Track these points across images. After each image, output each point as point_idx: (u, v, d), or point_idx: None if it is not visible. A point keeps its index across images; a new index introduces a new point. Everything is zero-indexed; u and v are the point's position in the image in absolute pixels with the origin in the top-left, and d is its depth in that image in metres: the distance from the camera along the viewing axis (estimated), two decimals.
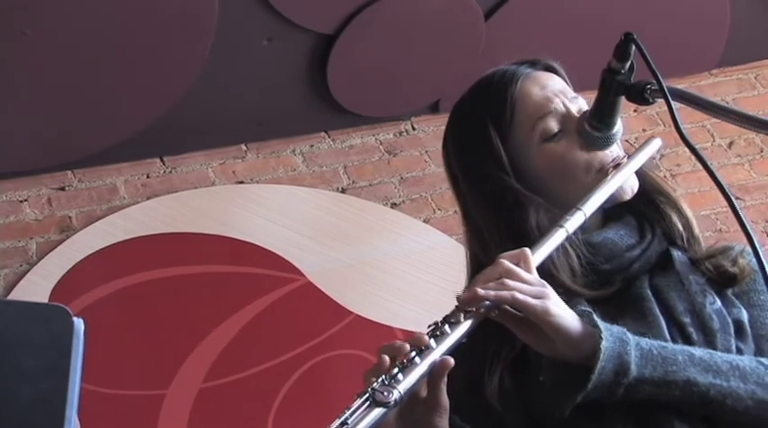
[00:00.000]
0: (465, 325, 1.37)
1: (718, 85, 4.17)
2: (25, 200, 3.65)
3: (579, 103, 1.61)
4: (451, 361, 1.34)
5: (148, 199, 3.68)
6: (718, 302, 1.52)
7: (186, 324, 3.33)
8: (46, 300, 3.30)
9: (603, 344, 1.37)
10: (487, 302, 1.38)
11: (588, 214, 1.50)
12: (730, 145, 3.96)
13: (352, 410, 1.28)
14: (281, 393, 3.20)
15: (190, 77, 3.66)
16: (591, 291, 1.51)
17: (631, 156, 1.58)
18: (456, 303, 1.40)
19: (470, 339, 1.39)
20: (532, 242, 1.47)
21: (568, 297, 1.45)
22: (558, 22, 3.89)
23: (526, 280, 1.40)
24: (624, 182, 1.56)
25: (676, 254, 1.57)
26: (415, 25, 3.79)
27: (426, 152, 3.88)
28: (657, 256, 1.57)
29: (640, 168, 1.62)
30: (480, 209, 1.60)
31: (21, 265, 3.46)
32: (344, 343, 3.31)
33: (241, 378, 3.24)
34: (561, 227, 1.48)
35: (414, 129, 3.97)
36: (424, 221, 3.69)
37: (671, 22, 3.98)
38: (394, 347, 1.36)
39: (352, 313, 3.41)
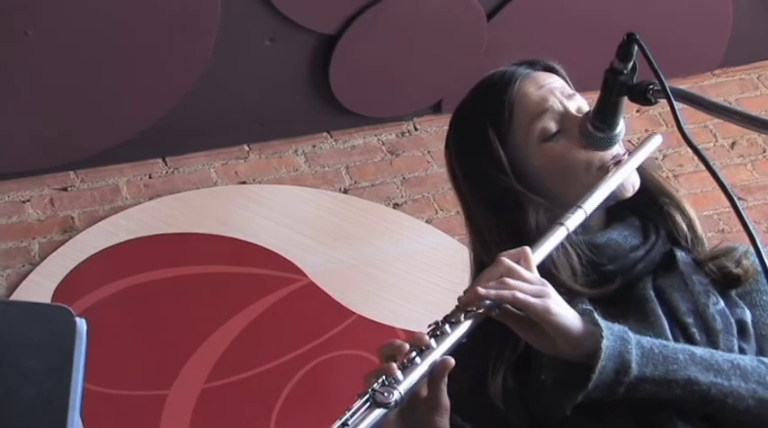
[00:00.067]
0: (465, 325, 1.37)
1: (721, 86, 4.16)
2: (28, 201, 3.65)
3: (578, 102, 1.61)
4: (452, 360, 1.34)
5: (151, 199, 3.68)
6: (722, 303, 1.52)
7: (188, 324, 3.33)
8: (48, 301, 3.30)
9: (604, 343, 1.37)
10: (488, 301, 1.38)
11: (589, 212, 1.50)
12: (733, 145, 3.96)
13: (352, 411, 1.27)
14: (284, 393, 3.20)
15: (192, 77, 3.66)
16: (592, 290, 1.51)
17: (632, 152, 1.58)
18: (457, 303, 1.40)
19: (473, 340, 1.39)
20: (532, 242, 1.47)
21: (570, 296, 1.45)
22: (561, 22, 3.89)
23: (527, 279, 1.40)
24: (625, 180, 1.55)
25: (680, 254, 1.57)
26: (417, 25, 3.79)
27: (429, 152, 3.88)
28: (661, 257, 1.57)
29: (643, 168, 1.62)
30: (481, 210, 1.60)
31: (23, 265, 3.47)
32: (347, 344, 3.31)
33: (243, 378, 3.24)
34: (562, 225, 1.48)
35: (416, 129, 3.97)
36: (427, 222, 3.69)
37: (673, 23, 3.97)
38: (394, 346, 1.36)
39: (354, 313, 3.41)
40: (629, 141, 1.62)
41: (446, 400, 1.38)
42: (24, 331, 1.18)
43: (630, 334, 1.40)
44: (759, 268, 1.42)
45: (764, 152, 3.96)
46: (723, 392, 1.39)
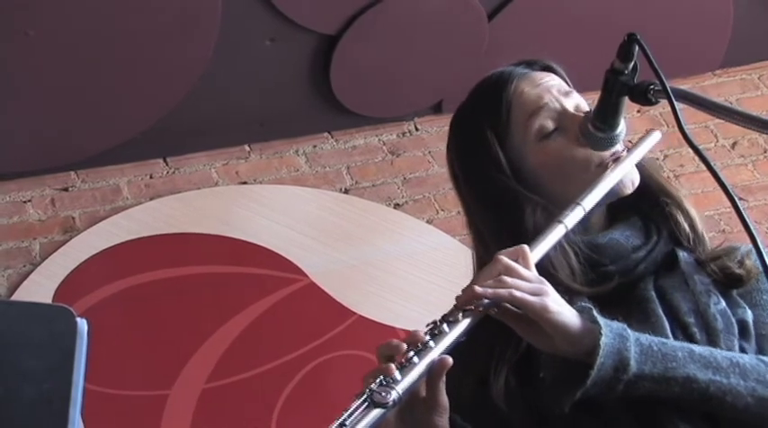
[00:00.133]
0: (463, 324, 1.37)
1: (722, 86, 4.16)
2: (29, 201, 3.65)
3: (576, 100, 1.60)
4: (450, 360, 1.34)
5: (152, 199, 3.68)
6: (723, 303, 1.52)
7: (189, 324, 3.34)
8: (49, 301, 3.30)
9: (603, 340, 1.37)
10: (486, 300, 1.38)
11: (588, 209, 1.49)
12: (734, 145, 3.96)
13: (350, 411, 1.27)
14: (284, 393, 3.20)
15: (193, 78, 3.66)
16: (590, 289, 1.51)
17: (631, 149, 1.58)
18: (455, 302, 1.40)
19: (475, 340, 1.39)
20: (531, 241, 1.47)
21: (569, 295, 1.45)
22: (561, 22, 3.89)
23: (524, 277, 1.40)
24: (625, 176, 1.55)
25: (682, 254, 1.57)
26: (418, 26, 3.79)
27: (429, 152, 3.88)
28: (663, 257, 1.57)
29: (645, 168, 1.62)
30: (481, 210, 1.60)
31: (24, 266, 3.47)
32: (347, 344, 3.31)
33: (244, 378, 3.24)
34: (560, 222, 1.47)
35: (417, 129, 3.97)
36: (427, 222, 3.69)
37: (674, 23, 3.97)
38: (392, 346, 1.36)
39: (354, 313, 3.41)
40: (629, 142, 1.62)
41: (445, 400, 1.37)
42: (25, 331, 1.18)
43: (629, 331, 1.40)
44: (761, 268, 1.42)
45: (765, 152, 3.95)
46: (722, 390, 1.39)
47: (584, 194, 1.50)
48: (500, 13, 3.85)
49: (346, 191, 3.77)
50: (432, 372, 1.34)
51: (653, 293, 1.52)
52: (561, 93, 1.60)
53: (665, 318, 1.49)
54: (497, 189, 1.57)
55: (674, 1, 3.99)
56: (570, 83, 1.66)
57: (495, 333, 1.44)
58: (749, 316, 1.52)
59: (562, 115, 1.58)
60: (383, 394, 1.28)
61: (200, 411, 3.16)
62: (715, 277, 1.55)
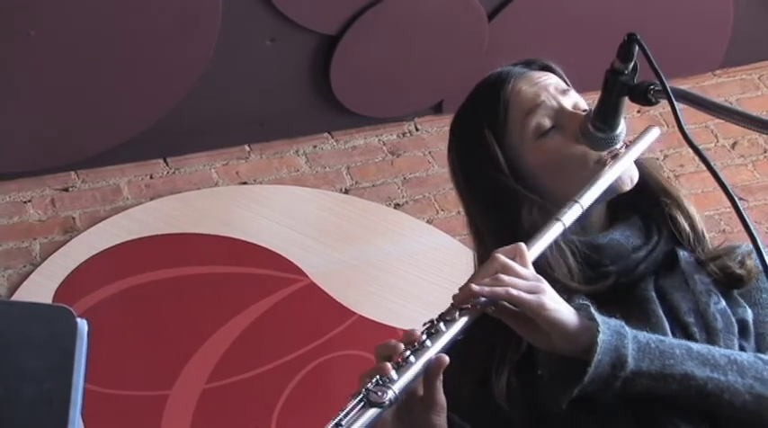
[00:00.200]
0: (460, 323, 1.37)
1: (722, 86, 4.16)
2: (29, 201, 3.65)
3: (573, 98, 1.60)
4: (446, 358, 1.34)
5: (152, 199, 3.68)
6: (723, 302, 1.52)
7: (190, 324, 3.34)
8: (50, 301, 3.30)
9: (600, 337, 1.37)
10: (483, 298, 1.38)
11: (585, 206, 1.49)
12: (734, 145, 3.96)
13: (346, 411, 1.27)
14: (285, 394, 3.20)
15: (193, 78, 3.66)
16: (588, 287, 1.51)
17: (629, 145, 1.57)
18: (452, 300, 1.40)
19: (475, 340, 1.39)
20: (529, 240, 1.47)
21: (567, 294, 1.45)
22: (562, 22, 3.89)
23: (521, 275, 1.40)
24: (623, 173, 1.55)
25: (682, 254, 1.57)
26: (418, 26, 3.79)
27: (429, 153, 3.88)
28: (663, 257, 1.57)
29: (645, 167, 1.62)
30: (479, 209, 1.61)
31: (24, 266, 3.47)
32: (347, 344, 3.31)
33: (244, 378, 3.24)
34: (558, 220, 1.47)
35: (417, 129, 3.97)
36: (428, 222, 3.69)
37: (674, 23, 3.97)
38: (389, 346, 1.36)
39: (355, 314, 3.41)
40: (629, 141, 1.61)
41: (442, 398, 1.37)
42: (25, 331, 1.19)
43: (627, 328, 1.40)
44: (761, 268, 1.42)
45: (765, 152, 3.95)
46: (719, 387, 1.39)
47: (582, 192, 1.50)
48: (500, 13, 3.85)
49: (346, 192, 3.77)
50: (428, 371, 1.34)
51: (653, 293, 1.52)
52: (558, 92, 1.60)
53: (665, 319, 1.49)
54: (496, 188, 1.57)
55: (674, 1, 3.99)
56: (569, 82, 1.66)
57: (494, 332, 1.44)
58: (749, 315, 1.52)
59: (559, 113, 1.58)
60: (379, 393, 1.28)
61: (201, 411, 3.16)
62: (715, 277, 1.55)
